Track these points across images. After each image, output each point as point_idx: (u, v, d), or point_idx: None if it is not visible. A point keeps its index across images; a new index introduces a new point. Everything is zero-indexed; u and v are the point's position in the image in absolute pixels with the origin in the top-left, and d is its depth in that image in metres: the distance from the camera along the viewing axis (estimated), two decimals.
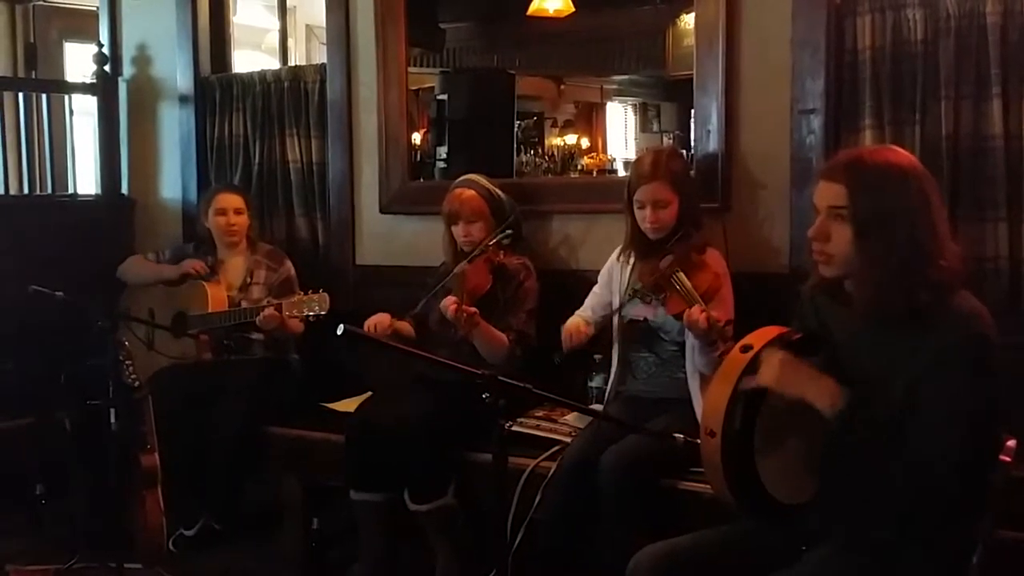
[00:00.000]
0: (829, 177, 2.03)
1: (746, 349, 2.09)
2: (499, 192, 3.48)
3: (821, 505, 2.03)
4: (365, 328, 3.29)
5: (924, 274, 1.92)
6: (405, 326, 3.38)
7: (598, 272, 3.27)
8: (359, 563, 3.30)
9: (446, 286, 3.29)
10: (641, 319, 3.03)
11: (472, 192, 3.43)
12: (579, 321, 3.10)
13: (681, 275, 2.83)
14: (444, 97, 5.60)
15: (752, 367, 2.03)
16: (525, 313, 3.33)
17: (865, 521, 1.94)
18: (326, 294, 3.54)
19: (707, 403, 2.12)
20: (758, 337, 2.11)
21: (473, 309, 3.14)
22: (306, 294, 3.57)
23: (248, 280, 3.94)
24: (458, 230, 3.43)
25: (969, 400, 1.84)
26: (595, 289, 3.24)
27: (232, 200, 3.95)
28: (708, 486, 2.21)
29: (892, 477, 1.87)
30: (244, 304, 3.82)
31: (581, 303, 3.26)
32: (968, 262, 2.05)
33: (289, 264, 3.99)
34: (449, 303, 3.15)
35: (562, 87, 7.45)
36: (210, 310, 3.79)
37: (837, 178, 2.01)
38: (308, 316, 3.54)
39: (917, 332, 1.92)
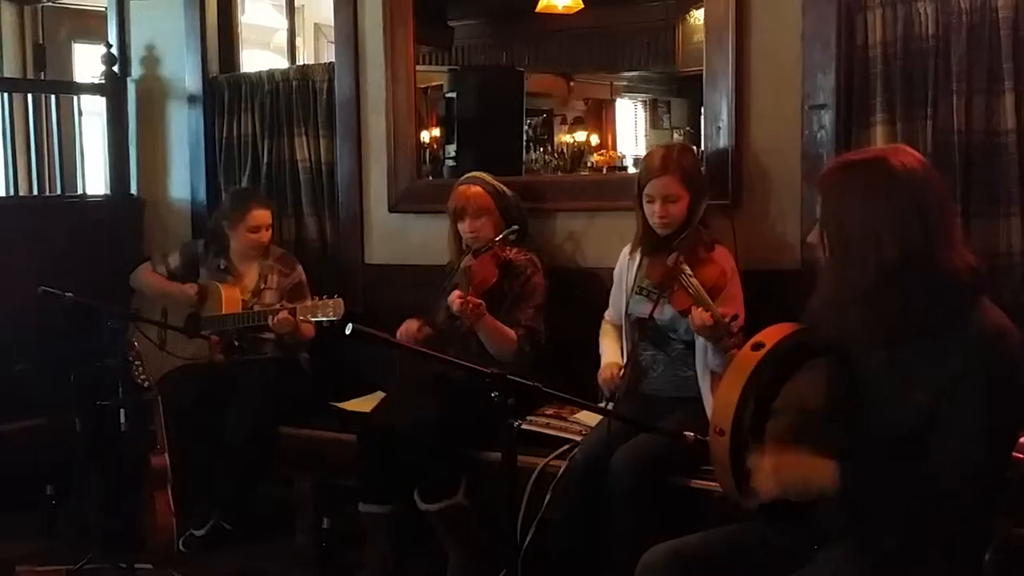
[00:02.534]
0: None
1: (757, 347, 2.07)
2: (504, 188, 3.47)
3: (831, 509, 2.01)
4: (398, 338, 3.28)
5: (904, 285, 1.82)
6: (428, 331, 3.37)
7: (606, 269, 3.25)
8: (365, 571, 3.30)
9: (454, 282, 3.28)
10: (648, 317, 3.01)
11: (478, 188, 3.43)
12: (613, 364, 3.07)
13: (687, 272, 2.82)
14: (453, 95, 5.60)
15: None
16: (533, 308, 3.32)
17: (876, 526, 1.92)
18: (340, 300, 3.51)
19: (717, 401, 2.10)
20: (769, 335, 2.09)
21: (479, 300, 3.13)
22: (320, 298, 3.56)
23: (261, 285, 3.93)
24: (464, 226, 3.42)
25: (989, 421, 1.78)
26: (613, 289, 3.23)
27: (266, 217, 3.93)
28: (718, 484, 2.19)
29: (905, 488, 1.83)
30: (256, 308, 3.82)
31: (589, 301, 3.26)
32: (981, 264, 1.88)
33: (300, 269, 3.98)
34: (455, 296, 3.14)
35: (571, 84, 7.45)
36: (224, 312, 3.79)
37: (816, 187, 2.00)
38: (322, 321, 3.54)
39: (934, 349, 1.83)
